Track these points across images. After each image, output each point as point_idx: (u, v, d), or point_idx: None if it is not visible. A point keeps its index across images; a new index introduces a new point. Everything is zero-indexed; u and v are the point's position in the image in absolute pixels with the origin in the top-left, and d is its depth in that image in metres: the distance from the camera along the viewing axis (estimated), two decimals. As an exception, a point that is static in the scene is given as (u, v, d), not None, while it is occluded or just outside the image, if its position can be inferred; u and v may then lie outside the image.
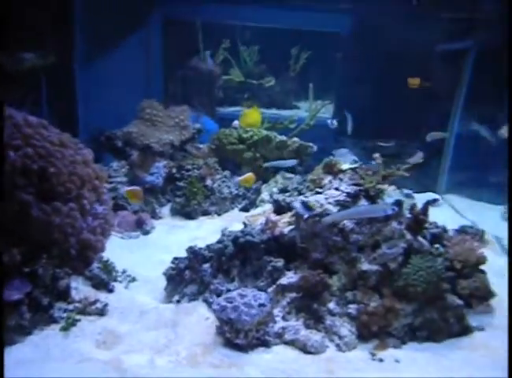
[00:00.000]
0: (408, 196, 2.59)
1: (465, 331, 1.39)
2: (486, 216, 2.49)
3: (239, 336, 1.24)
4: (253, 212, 2.31)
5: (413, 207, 1.40)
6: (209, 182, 2.29)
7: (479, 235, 2.10)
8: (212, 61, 3.71)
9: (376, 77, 4.02)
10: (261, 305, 1.28)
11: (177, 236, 2.10)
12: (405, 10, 3.62)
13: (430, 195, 2.82)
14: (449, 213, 2.58)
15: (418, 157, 3.16)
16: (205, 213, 2.30)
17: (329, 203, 1.39)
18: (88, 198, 1.41)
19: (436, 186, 2.88)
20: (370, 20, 3.89)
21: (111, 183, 2.16)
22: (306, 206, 1.35)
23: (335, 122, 2.50)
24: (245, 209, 2.38)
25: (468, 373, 1.25)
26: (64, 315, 1.32)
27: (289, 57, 4.12)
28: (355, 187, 1.40)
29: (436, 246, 1.60)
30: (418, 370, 1.25)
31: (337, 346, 1.29)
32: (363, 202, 1.38)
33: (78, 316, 1.34)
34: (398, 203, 1.39)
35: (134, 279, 1.61)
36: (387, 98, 3.86)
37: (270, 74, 4.47)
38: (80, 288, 1.43)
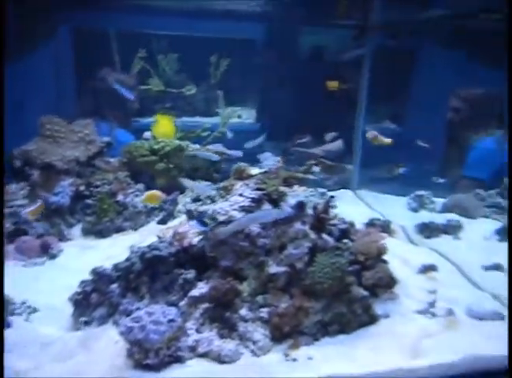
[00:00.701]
0: (323, 195, 2.69)
1: (373, 320, 1.46)
2: (393, 207, 2.66)
3: (149, 356, 1.20)
4: (170, 224, 2.26)
5: (315, 207, 1.45)
6: (120, 197, 2.20)
7: (386, 226, 2.23)
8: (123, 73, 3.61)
9: (290, 82, 4.15)
10: (170, 320, 1.24)
11: (89, 257, 1.98)
12: (314, 17, 3.78)
13: (343, 192, 2.96)
14: (361, 207, 2.72)
15: (337, 145, 3.31)
16: (120, 230, 2.20)
17: (234, 210, 1.39)
18: (-28, 227, 1.29)
19: (350, 182, 3.03)
20: (281, 27, 4.02)
21: (10, 207, 2.00)
22: (201, 222, 1.35)
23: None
24: (163, 222, 2.32)
25: (376, 360, 1.32)
26: (-49, 360, 1.19)
27: (209, 65, 4.14)
28: (258, 192, 1.42)
29: (345, 241, 1.67)
30: (330, 364, 1.29)
31: (252, 351, 1.30)
32: (266, 206, 1.40)
33: (-31, 359, 1.22)
34: (301, 204, 1.44)
35: (35, 310, 1.49)
36: (302, 101, 4.01)
37: (191, 82, 4.44)
38: (-30, 327, 1.29)
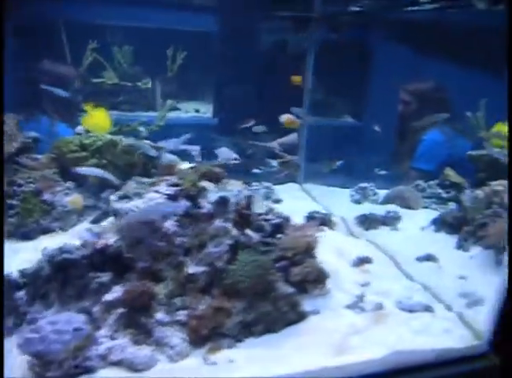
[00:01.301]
0: (268, 188, 2.64)
1: (301, 317, 1.42)
2: (337, 199, 2.64)
3: (50, 368, 1.10)
4: (104, 223, 2.15)
5: (238, 203, 1.39)
6: (47, 196, 2.06)
7: (326, 219, 2.21)
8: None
9: (241, 76, 4.09)
10: (76, 329, 1.15)
11: (9, 262, 1.84)
12: (263, 11, 3.72)
13: (290, 186, 2.92)
14: (306, 201, 2.69)
15: (292, 138, 3.28)
16: (47, 231, 2.06)
17: (149, 207, 1.31)
18: None
19: (297, 176, 3.00)
20: (232, 19, 3.94)
21: None
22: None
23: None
24: (96, 221, 2.20)
25: (301, 359, 1.28)
26: None
27: (166, 58, 4.03)
28: (175, 188, 1.34)
29: (279, 236, 1.63)
30: (252, 366, 1.24)
31: (169, 357, 1.22)
32: (184, 203, 1.33)
33: None
34: (223, 200, 1.37)
35: None
36: (258, 95, 3.95)
37: (147, 76, 4.32)
38: None
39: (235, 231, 1.35)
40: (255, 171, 2.71)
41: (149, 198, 1.33)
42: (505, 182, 1.89)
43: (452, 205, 2.34)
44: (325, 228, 2.17)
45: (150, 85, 4.24)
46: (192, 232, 1.30)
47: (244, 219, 1.36)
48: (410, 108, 3.13)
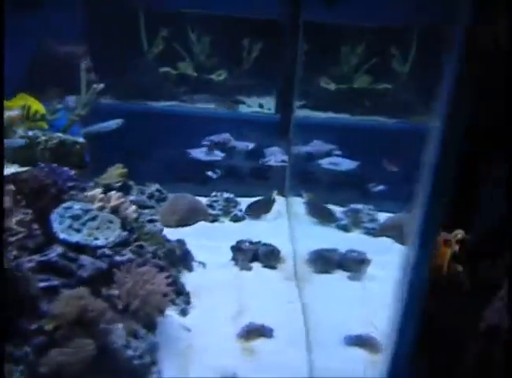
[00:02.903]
0: (227, 201, 2.02)
1: None
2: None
3: None
4: None
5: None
6: None
7: (262, 253, 1.52)
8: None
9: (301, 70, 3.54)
10: None
11: None
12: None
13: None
14: (272, 222, 1.96)
15: None
16: None
17: None
18: None
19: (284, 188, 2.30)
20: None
21: None
22: None
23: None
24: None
25: None
26: None
27: (241, 49, 3.78)
28: None
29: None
30: None
31: None
32: None
33: None
34: None
35: None
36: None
37: (223, 67, 4.11)
38: None
39: None
40: (209, 174, 2.06)
41: None
42: None
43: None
44: (254, 266, 1.48)
45: (222, 77, 3.95)
46: None
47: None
48: None
